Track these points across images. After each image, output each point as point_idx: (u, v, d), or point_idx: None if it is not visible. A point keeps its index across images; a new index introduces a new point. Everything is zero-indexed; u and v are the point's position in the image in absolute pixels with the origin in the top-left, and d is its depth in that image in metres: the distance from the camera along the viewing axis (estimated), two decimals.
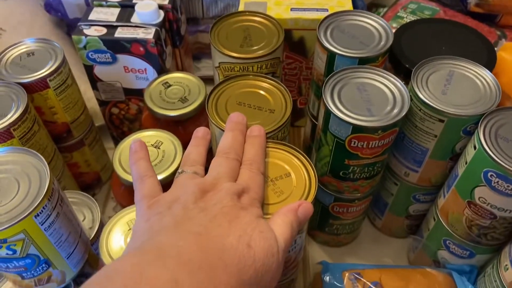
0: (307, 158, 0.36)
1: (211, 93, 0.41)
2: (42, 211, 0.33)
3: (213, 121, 0.39)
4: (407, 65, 0.46)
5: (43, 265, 0.36)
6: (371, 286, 0.44)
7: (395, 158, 0.48)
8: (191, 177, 0.33)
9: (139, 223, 0.31)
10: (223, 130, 0.38)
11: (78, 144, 0.54)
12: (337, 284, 0.45)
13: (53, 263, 0.37)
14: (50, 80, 0.46)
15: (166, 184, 0.42)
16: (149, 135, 0.47)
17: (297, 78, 0.62)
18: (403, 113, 0.38)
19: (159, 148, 0.45)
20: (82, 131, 0.54)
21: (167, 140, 0.46)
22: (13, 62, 0.46)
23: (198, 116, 0.50)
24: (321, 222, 0.53)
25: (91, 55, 0.51)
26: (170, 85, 0.51)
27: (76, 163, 0.57)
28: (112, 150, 0.67)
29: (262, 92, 0.42)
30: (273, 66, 0.46)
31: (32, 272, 0.36)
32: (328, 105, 0.39)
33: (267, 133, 0.38)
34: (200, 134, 0.38)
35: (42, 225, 0.33)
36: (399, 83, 0.41)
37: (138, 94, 0.57)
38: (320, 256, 0.56)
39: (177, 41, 0.59)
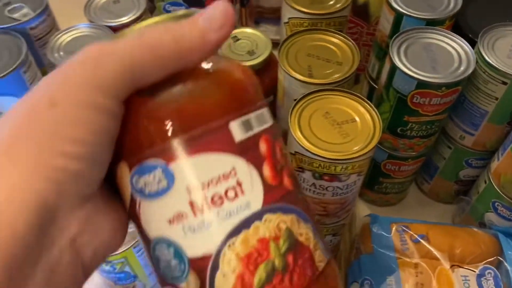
0: (372, 105, 0.38)
1: (283, 43, 0.44)
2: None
3: (283, 68, 0.42)
4: (470, 35, 0.47)
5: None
6: (418, 238, 0.46)
7: (452, 121, 0.49)
8: None
9: None
10: (293, 78, 0.41)
11: None
12: (385, 234, 0.48)
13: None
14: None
15: None
16: None
17: (356, 44, 0.63)
18: (469, 72, 0.40)
19: None
20: None
21: None
22: (101, 8, 0.51)
23: (264, 70, 0.53)
24: (370, 180, 0.56)
25: (168, 7, 0.55)
26: (238, 39, 0.55)
27: None
28: None
29: (331, 46, 0.44)
30: (340, 24, 0.49)
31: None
32: (394, 60, 0.41)
33: (334, 83, 0.41)
34: None
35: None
36: (465, 44, 0.43)
37: None
38: (366, 214, 0.59)
39: (244, 0, 0.62)
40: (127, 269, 0.46)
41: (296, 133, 0.37)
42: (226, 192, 0.18)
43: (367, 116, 0.38)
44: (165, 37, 0.18)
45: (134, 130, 0.19)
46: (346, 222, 0.48)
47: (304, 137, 0.37)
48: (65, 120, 0.16)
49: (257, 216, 0.19)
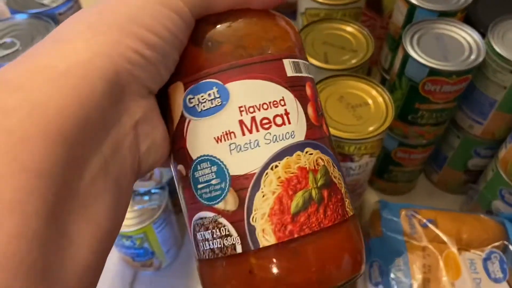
0: (384, 88, 0.40)
1: (300, 31, 0.46)
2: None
3: None
4: (481, 29, 0.48)
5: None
6: (426, 222, 0.48)
7: (461, 111, 0.51)
8: None
9: None
10: (309, 63, 0.43)
11: None
12: (394, 218, 0.49)
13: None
14: None
15: None
16: None
17: None
18: (479, 60, 0.41)
19: None
20: None
21: None
22: None
23: None
24: (381, 168, 0.57)
25: None
26: None
27: None
28: None
29: (346, 35, 0.46)
30: (355, 15, 0.50)
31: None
32: (407, 49, 0.43)
33: (349, 69, 0.42)
34: None
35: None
36: (475, 34, 0.44)
37: None
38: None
39: None
40: (146, 245, 0.48)
41: None
42: (274, 118, 0.20)
43: (380, 99, 0.40)
44: None
45: (195, 51, 0.20)
46: (356, 206, 0.49)
47: None
48: (146, 11, 0.18)
49: (300, 146, 0.20)
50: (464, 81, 0.43)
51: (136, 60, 0.18)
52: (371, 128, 0.38)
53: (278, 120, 0.20)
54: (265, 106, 0.20)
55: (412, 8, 0.48)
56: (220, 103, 0.20)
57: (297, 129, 0.21)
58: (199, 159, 0.20)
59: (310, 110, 0.21)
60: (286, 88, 0.21)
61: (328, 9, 0.49)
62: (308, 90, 0.22)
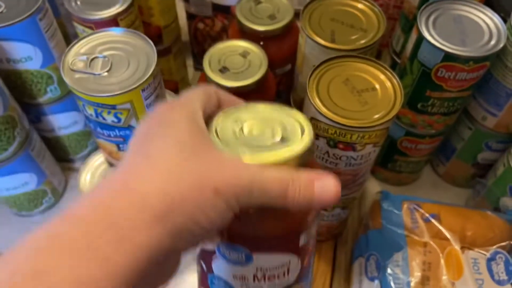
0: (393, 73, 0.37)
1: (306, 6, 0.43)
2: (147, 87, 0.36)
3: (305, 32, 0.41)
4: (502, 13, 0.45)
5: None
6: (429, 217, 0.45)
7: (475, 100, 0.47)
8: None
9: None
10: (315, 42, 0.39)
11: (166, 51, 0.58)
12: (396, 211, 0.47)
13: None
14: None
15: (248, 91, 0.45)
16: (237, 45, 0.49)
17: None
18: (499, 46, 0.38)
19: (245, 57, 0.48)
20: (172, 39, 0.57)
21: (254, 51, 0.48)
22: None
23: (284, 36, 0.52)
24: (385, 157, 0.54)
25: None
26: (260, 2, 0.53)
27: (161, 69, 0.60)
28: (191, 67, 0.71)
29: (356, 12, 0.43)
30: None
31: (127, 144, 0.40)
32: (422, 30, 0.40)
33: (358, 49, 0.39)
34: None
35: (145, 100, 0.37)
36: (497, 18, 0.41)
37: (224, 11, 0.59)
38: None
39: None
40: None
41: (313, 98, 0.36)
42: (279, 274, 0.29)
43: (388, 84, 0.37)
44: (281, 187, 0.23)
45: (233, 223, 0.24)
46: (356, 196, 0.47)
47: (322, 102, 0.36)
48: (209, 205, 0.22)
49: (290, 285, 0.31)
50: (481, 68, 0.40)
51: (189, 238, 0.22)
52: (376, 116, 0.35)
53: (281, 275, 0.29)
54: (274, 268, 0.29)
55: None
56: (244, 261, 0.28)
57: (292, 276, 0.30)
58: (218, 276, 0.31)
59: (306, 260, 0.30)
60: (295, 254, 0.29)
61: None
62: (309, 247, 0.30)
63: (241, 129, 0.26)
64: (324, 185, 0.24)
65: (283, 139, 0.25)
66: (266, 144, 0.25)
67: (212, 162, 0.23)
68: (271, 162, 0.24)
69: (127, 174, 0.23)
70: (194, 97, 0.26)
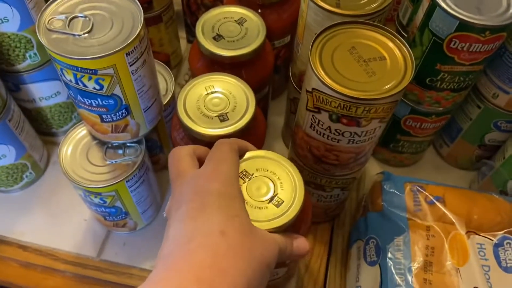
0: (404, 41, 0.34)
1: None
2: (133, 50, 0.33)
3: None
4: None
5: (123, 110, 0.37)
6: (433, 200, 0.43)
7: (486, 76, 0.44)
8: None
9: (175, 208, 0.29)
10: (319, 7, 0.36)
11: (156, 19, 0.54)
12: (398, 193, 0.44)
13: (132, 112, 0.38)
14: None
15: (245, 62, 0.42)
16: (233, 11, 0.45)
17: None
18: None
19: (242, 25, 0.44)
20: (163, 5, 0.53)
21: (251, 18, 0.45)
22: None
23: (284, 3, 0.48)
24: (387, 137, 0.52)
25: None
26: None
27: (150, 39, 0.56)
28: (183, 40, 0.67)
29: None
30: None
31: (112, 115, 0.37)
32: None
33: (366, 15, 0.36)
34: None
35: (130, 66, 0.34)
36: None
37: None
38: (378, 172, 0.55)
39: None
40: (118, 204, 0.43)
41: (316, 67, 0.33)
42: None
43: (398, 53, 0.33)
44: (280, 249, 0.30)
45: None
46: (357, 176, 0.44)
47: (325, 71, 0.33)
48: (266, 279, 0.28)
49: None
50: (497, 39, 0.37)
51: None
52: (385, 87, 0.32)
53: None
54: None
55: None
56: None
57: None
58: None
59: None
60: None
61: None
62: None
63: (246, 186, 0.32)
64: (299, 244, 0.32)
65: (277, 201, 0.31)
66: (264, 204, 0.31)
67: (259, 241, 0.28)
68: (274, 228, 0.30)
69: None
70: (234, 178, 0.30)
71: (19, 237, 0.49)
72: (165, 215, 0.31)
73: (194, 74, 0.46)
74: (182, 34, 0.66)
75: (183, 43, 0.67)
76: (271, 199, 0.31)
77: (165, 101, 0.45)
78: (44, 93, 0.50)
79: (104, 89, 0.34)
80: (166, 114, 0.47)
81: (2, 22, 0.42)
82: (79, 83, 0.34)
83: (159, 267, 0.26)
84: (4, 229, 0.49)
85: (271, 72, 0.47)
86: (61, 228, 0.49)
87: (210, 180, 0.29)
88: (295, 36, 0.46)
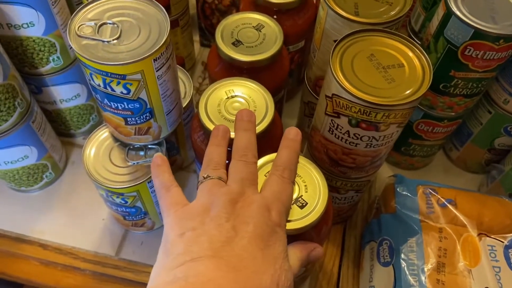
0: (423, 50, 0.35)
1: None
2: (159, 56, 0.34)
3: (327, 3, 0.38)
4: None
5: (147, 114, 0.38)
6: (445, 202, 0.44)
7: (497, 83, 0.46)
8: (218, 184, 0.32)
9: (171, 235, 0.30)
10: (337, 15, 0.37)
11: (173, 23, 0.55)
12: (410, 195, 0.45)
13: (155, 115, 0.39)
14: None
15: (262, 67, 0.43)
16: (251, 17, 0.46)
17: None
18: None
19: (260, 31, 0.45)
20: (179, 10, 0.55)
21: (269, 24, 0.46)
22: None
23: (300, 9, 0.49)
24: (399, 140, 0.52)
25: None
26: None
27: None
28: (197, 43, 0.68)
29: None
30: None
31: (136, 118, 0.38)
32: (451, 5, 0.37)
33: (383, 23, 0.37)
34: (220, 133, 0.35)
35: (157, 71, 0.35)
36: None
37: None
38: (388, 175, 0.56)
39: None
40: (138, 204, 0.44)
41: (337, 73, 0.34)
42: None
43: (416, 61, 0.35)
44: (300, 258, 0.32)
45: None
46: (371, 179, 0.45)
47: (346, 78, 0.34)
48: None
49: None
50: (510, 47, 0.38)
51: None
52: (405, 93, 0.33)
53: None
54: None
55: None
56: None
57: None
58: None
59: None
60: None
61: None
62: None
63: None
64: (316, 251, 0.33)
65: (302, 203, 0.33)
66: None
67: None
68: (297, 229, 0.31)
69: None
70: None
71: (39, 236, 0.50)
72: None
73: (212, 77, 0.47)
74: (196, 38, 0.68)
75: (197, 46, 0.68)
76: (296, 200, 0.32)
77: (184, 104, 0.46)
78: (64, 96, 0.51)
79: (131, 93, 0.35)
80: (184, 117, 0.48)
81: (28, 26, 0.43)
82: (108, 87, 0.35)
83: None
84: (25, 228, 0.50)
85: (287, 76, 0.48)
86: (80, 227, 0.51)
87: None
88: (312, 42, 0.47)
